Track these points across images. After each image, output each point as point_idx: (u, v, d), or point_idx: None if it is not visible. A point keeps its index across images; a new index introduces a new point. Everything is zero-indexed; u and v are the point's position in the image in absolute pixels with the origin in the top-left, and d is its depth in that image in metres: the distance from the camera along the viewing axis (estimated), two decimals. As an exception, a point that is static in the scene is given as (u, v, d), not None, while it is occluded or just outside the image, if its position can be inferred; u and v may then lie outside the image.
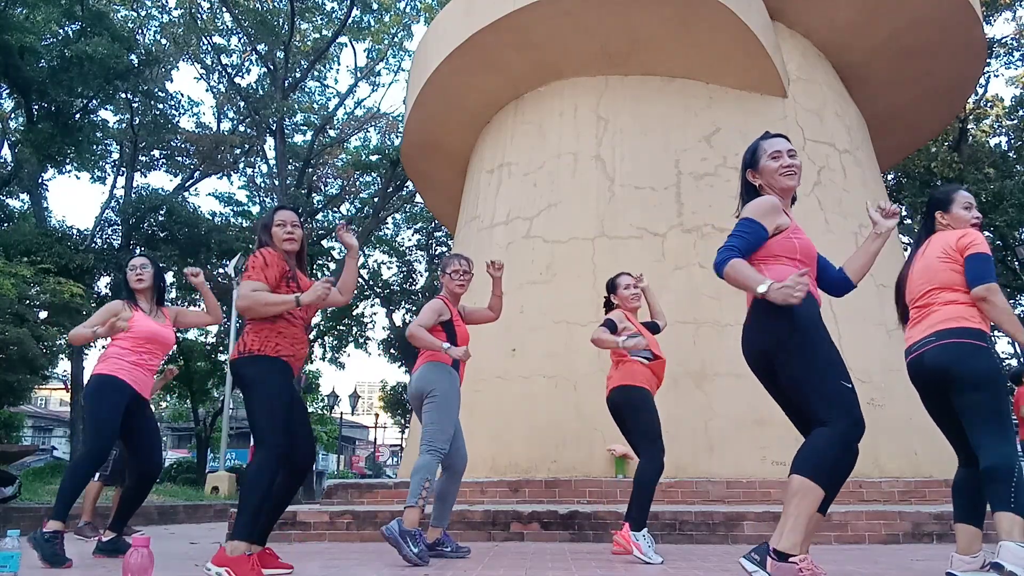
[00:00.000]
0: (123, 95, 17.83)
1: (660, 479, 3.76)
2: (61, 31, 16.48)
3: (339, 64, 44.44)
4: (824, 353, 2.43)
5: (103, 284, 19.02)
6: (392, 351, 23.68)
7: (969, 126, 17.80)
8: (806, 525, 2.34)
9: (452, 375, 3.75)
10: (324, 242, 21.46)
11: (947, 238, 2.90)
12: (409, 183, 18.21)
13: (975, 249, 2.79)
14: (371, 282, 23.32)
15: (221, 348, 20.90)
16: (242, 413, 17.13)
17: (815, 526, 2.47)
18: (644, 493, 3.64)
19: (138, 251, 19.06)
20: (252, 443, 7.16)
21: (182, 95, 31.11)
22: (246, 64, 21.64)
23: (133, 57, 16.95)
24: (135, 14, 19.80)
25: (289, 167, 20.32)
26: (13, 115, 18.39)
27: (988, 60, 15.29)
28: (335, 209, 22.82)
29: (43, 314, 14.14)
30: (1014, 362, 21.36)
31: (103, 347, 4.30)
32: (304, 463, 2.99)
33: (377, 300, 23.93)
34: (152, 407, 4.11)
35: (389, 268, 24.36)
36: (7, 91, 16.60)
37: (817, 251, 2.68)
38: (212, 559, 2.67)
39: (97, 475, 5.51)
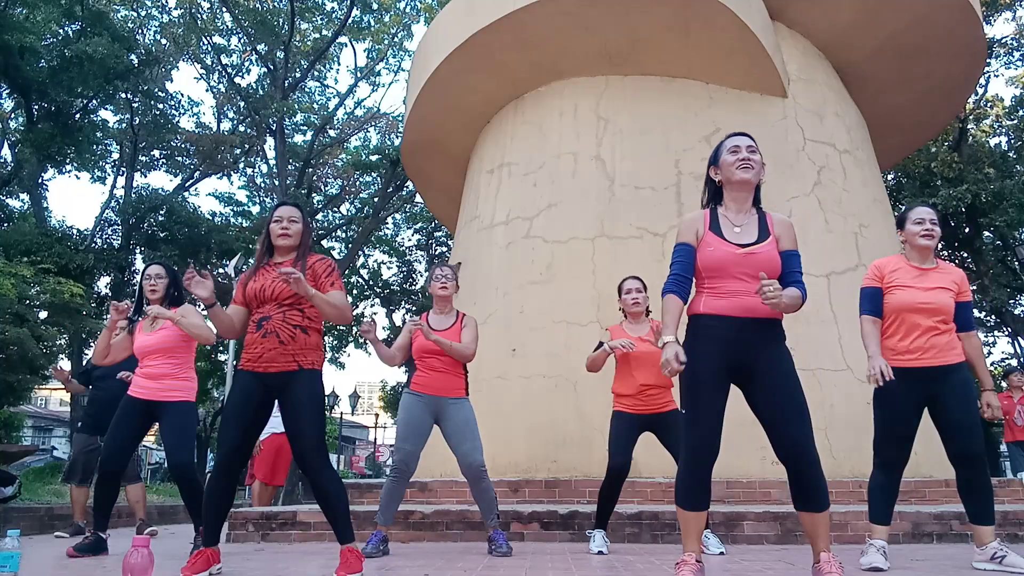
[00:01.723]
0: (123, 95, 17.82)
1: (666, 482, 3.93)
2: (61, 31, 16.46)
3: (339, 64, 44.43)
4: (683, 379, 2.59)
5: (103, 284, 19.02)
6: (392, 351, 23.62)
7: (969, 126, 17.79)
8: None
9: (407, 397, 4.07)
10: (324, 242, 21.45)
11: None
12: (409, 183, 18.20)
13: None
14: (371, 282, 23.32)
15: (221, 348, 20.90)
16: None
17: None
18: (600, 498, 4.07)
19: (138, 251, 19.09)
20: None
21: (182, 95, 31.12)
22: (246, 64, 21.63)
23: (133, 57, 16.94)
24: (135, 14, 19.79)
25: (289, 167, 20.31)
26: (13, 115, 18.39)
27: (988, 60, 15.29)
28: (335, 209, 22.82)
29: (43, 314, 14.15)
30: (1014, 362, 21.35)
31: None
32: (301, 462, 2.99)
33: (377, 300, 23.93)
34: (187, 407, 4.17)
35: (389, 268, 24.36)
36: (7, 91, 16.59)
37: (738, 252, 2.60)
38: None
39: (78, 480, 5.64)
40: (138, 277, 4.46)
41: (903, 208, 3.53)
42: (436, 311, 4.19)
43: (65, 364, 18.18)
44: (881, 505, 3.32)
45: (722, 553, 3.89)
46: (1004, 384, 9.06)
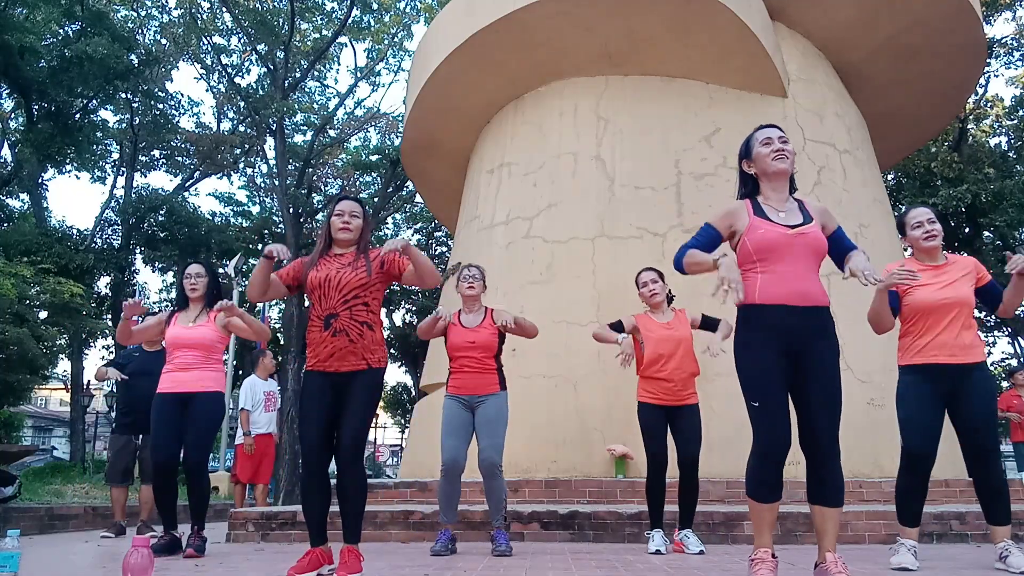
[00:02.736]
0: (123, 95, 17.83)
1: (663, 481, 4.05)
2: (61, 31, 16.47)
3: (339, 64, 44.38)
4: (744, 370, 2.59)
5: (103, 284, 19.02)
6: (392, 351, 23.67)
7: (969, 126, 17.79)
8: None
9: (446, 400, 4.20)
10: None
11: None
12: (409, 183, 18.19)
13: None
14: (371, 282, 23.30)
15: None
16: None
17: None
18: (647, 496, 4.12)
19: (138, 251, 19.09)
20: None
21: (182, 95, 31.08)
22: (246, 64, 21.62)
23: (133, 57, 16.94)
24: (135, 14, 19.79)
25: (289, 167, 20.28)
26: (13, 115, 18.39)
27: (988, 60, 15.29)
28: (335, 209, 22.78)
29: (43, 314, 14.15)
30: (1014, 362, 21.35)
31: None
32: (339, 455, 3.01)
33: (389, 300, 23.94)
34: (217, 397, 4.21)
35: (389, 268, 24.32)
36: (7, 91, 16.59)
37: (816, 233, 2.65)
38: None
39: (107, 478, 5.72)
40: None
41: (902, 209, 3.55)
42: (466, 310, 4.31)
43: (65, 364, 18.18)
44: (910, 507, 3.31)
45: (701, 552, 3.93)
46: (1007, 383, 9.10)
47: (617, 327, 4.21)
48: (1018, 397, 8.62)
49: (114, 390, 5.99)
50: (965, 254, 19.05)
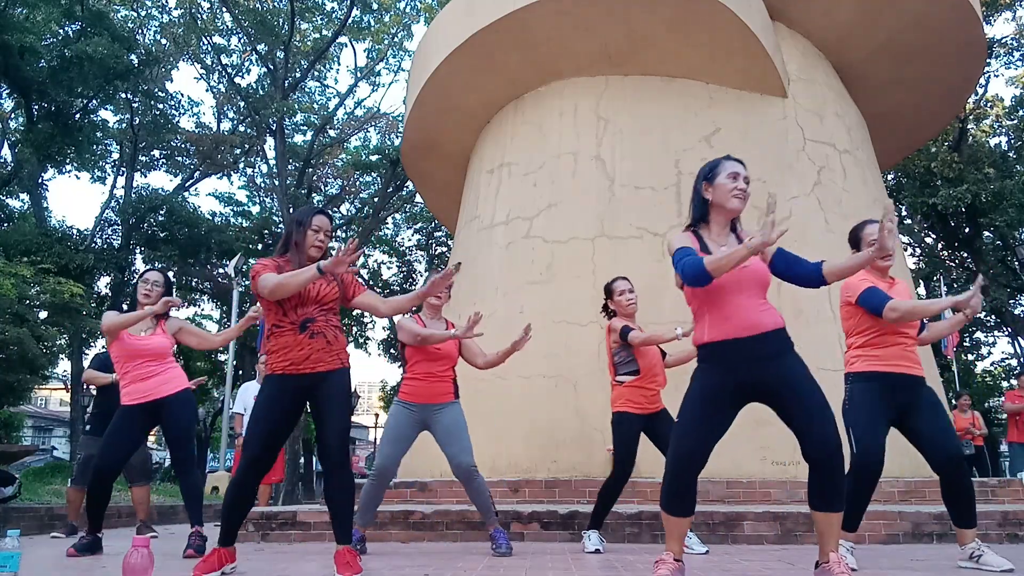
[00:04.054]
0: (123, 95, 17.84)
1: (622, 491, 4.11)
2: (61, 31, 16.47)
3: (339, 64, 44.39)
4: (685, 395, 2.66)
5: (103, 284, 19.03)
6: (392, 351, 23.66)
7: (969, 126, 17.80)
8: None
9: (395, 406, 4.18)
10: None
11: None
12: (409, 183, 18.20)
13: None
14: (371, 282, 23.30)
15: (221, 348, 20.91)
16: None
17: None
18: (599, 500, 4.16)
19: (138, 251, 19.09)
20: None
21: (182, 95, 31.09)
22: (246, 64, 21.64)
23: (133, 57, 16.95)
24: (135, 14, 19.80)
25: (289, 167, 20.32)
26: (13, 115, 18.39)
27: (988, 60, 15.29)
28: (335, 209, 22.81)
29: (43, 314, 14.16)
30: (1014, 362, 21.34)
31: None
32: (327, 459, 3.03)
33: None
34: (188, 395, 4.27)
35: (389, 268, 24.35)
36: (7, 91, 16.60)
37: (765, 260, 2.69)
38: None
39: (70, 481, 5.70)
40: (137, 278, 4.49)
41: (858, 224, 3.64)
42: (429, 316, 4.29)
43: (65, 364, 18.19)
44: (850, 511, 3.28)
45: (707, 552, 3.94)
46: (1015, 383, 9.17)
47: (624, 331, 4.15)
48: (1021, 398, 8.64)
49: (92, 391, 5.96)
50: (965, 254, 19.07)
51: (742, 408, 2.65)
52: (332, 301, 3.12)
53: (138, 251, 19.34)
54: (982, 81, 17.00)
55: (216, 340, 4.88)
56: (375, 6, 21.23)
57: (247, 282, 3.42)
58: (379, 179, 21.11)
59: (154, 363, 4.18)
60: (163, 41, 19.87)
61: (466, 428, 4.08)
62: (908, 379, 3.26)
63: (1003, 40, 17.83)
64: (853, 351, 3.39)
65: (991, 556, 3.09)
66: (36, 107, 16.14)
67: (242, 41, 20.82)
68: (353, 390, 27.15)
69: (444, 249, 22.25)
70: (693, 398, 2.63)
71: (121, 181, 20.15)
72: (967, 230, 18.05)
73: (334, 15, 21.20)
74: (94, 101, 17.18)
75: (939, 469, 3.25)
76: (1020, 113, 17.94)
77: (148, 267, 4.34)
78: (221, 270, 18.46)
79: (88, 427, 5.98)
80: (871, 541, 4.47)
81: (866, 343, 3.34)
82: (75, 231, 18.34)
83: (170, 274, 4.29)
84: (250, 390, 7.13)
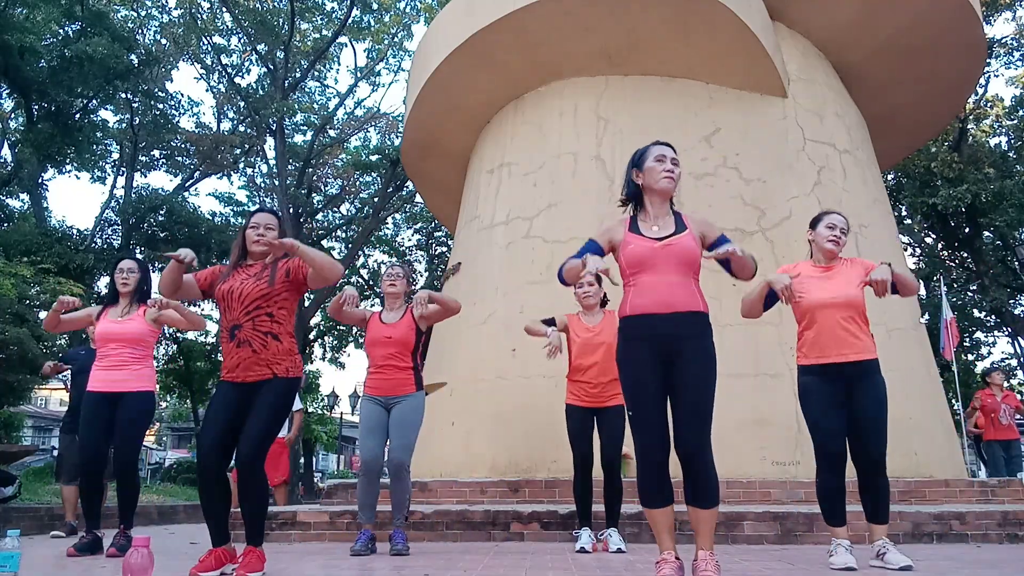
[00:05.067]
0: (123, 95, 17.82)
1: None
2: (61, 31, 16.46)
3: (339, 64, 44.31)
4: (622, 381, 2.74)
5: (103, 284, 18.99)
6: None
7: (969, 126, 17.79)
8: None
9: (362, 400, 4.31)
10: (324, 242, 21.44)
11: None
12: (409, 183, 18.19)
13: None
14: (371, 282, 23.31)
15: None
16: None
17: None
18: (574, 496, 4.28)
19: (138, 251, 19.08)
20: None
21: (182, 95, 31.03)
22: (246, 64, 21.63)
23: (133, 57, 16.94)
24: (135, 14, 19.79)
25: (289, 167, 20.31)
26: (13, 115, 18.39)
27: (988, 60, 15.29)
28: (335, 209, 22.82)
29: (43, 314, 14.12)
30: (1014, 362, 21.34)
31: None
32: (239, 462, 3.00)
33: (377, 300, 23.93)
34: (146, 396, 4.24)
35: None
36: (7, 91, 16.59)
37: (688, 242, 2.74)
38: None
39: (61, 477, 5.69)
40: (112, 268, 4.51)
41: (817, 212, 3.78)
42: (387, 307, 4.36)
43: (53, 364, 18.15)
44: (837, 507, 3.34)
45: (620, 551, 3.98)
46: (987, 380, 9.12)
47: (549, 323, 4.42)
48: (992, 396, 8.65)
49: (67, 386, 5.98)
50: (965, 254, 19.05)
51: (668, 374, 2.68)
52: (259, 300, 3.03)
53: (138, 251, 19.31)
54: (982, 81, 17.00)
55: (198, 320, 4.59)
56: (375, 6, 21.22)
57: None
58: (379, 179, 21.10)
59: (127, 350, 4.16)
60: (163, 41, 19.86)
61: (418, 425, 4.17)
62: (842, 367, 3.29)
63: (1003, 40, 17.83)
64: (797, 342, 3.49)
65: (894, 554, 3.16)
66: (36, 107, 16.13)
67: (242, 41, 20.81)
68: (353, 390, 27.08)
69: (444, 249, 22.24)
70: (628, 387, 2.70)
71: (121, 181, 20.14)
72: (967, 230, 18.05)
73: (334, 15, 21.19)
74: (94, 101, 17.17)
75: (860, 464, 3.32)
76: (1020, 113, 17.93)
77: (119, 256, 4.41)
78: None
79: (63, 424, 6.01)
80: (871, 541, 4.47)
81: (800, 337, 3.45)
82: (75, 231, 18.33)
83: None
84: None
